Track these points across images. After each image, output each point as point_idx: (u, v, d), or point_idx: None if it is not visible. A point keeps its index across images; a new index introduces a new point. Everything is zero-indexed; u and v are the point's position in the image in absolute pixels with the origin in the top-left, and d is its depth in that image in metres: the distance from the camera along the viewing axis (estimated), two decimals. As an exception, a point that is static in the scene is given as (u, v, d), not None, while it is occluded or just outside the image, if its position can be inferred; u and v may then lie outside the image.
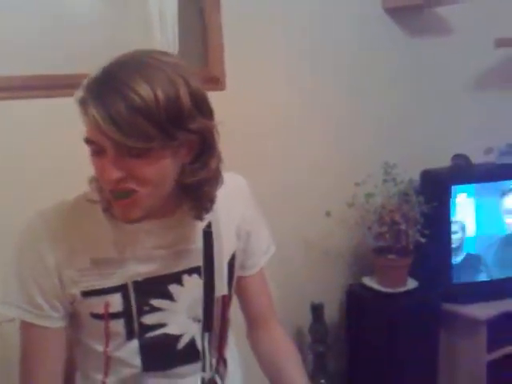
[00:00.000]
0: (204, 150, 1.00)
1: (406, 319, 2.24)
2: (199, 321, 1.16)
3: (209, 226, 1.14)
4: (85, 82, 0.93)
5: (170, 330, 1.13)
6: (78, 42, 1.72)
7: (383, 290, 2.29)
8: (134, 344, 1.11)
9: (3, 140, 1.65)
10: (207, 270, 1.14)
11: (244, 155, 2.06)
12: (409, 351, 2.22)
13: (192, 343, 1.16)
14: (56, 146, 1.70)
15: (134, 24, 1.85)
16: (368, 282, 2.35)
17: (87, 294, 1.06)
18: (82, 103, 0.91)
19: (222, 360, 1.24)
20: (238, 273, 1.23)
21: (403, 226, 2.19)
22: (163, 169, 0.96)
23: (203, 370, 1.18)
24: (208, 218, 1.11)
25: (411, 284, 2.33)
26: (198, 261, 1.14)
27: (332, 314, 2.44)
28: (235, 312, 1.29)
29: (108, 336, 1.10)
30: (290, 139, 2.25)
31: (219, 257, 1.16)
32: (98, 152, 0.94)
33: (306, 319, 2.32)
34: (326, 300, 2.33)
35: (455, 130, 2.64)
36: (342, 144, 2.40)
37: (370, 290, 2.32)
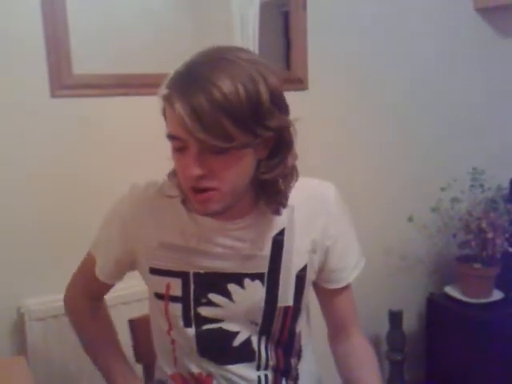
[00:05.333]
0: (281, 146, 1.00)
1: (489, 332, 2.16)
2: (256, 324, 1.14)
3: (281, 233, 1.11)
4: (168, 78, 0.95)
5: (227, 326, 1.14)
6: (163, 43, 1.78)
7: (467, 300, 2.22)
8: (191, 332, 1.13)
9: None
10: (271, 279, 1.12)
11: (325, 155, 2.05)
12: (490, 365, 2.14)
13: (248, 342, 1.15)
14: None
15: (216, 26, 1.90)
16: (450, 291, 2.28)
17: (154, 271, 1.13)
18: (167, 99, 0.92)
19: (293, 371, 1.22)
20: (324, 285, 1.20)
21: (490, 235, 2.11)
22: (242, 167, 0.97)
23: (258, 369, 1.17)
24: (282, 225, 1.10)
25: (497, 295, 2.25)
26: (263, 268, 1.11)
27: (410, 322, 2.38)
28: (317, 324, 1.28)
29: (168, 318, 1.14)
30: (373, 139, 2.20)
31: (287, 267, 1.13)
32: (180, 148, 0.95)
33: (383, 326, 2.27)
34: (405, 308, 2.28)
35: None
36: (429, 146, 2.33)
37: (453, 299, 2.25)
